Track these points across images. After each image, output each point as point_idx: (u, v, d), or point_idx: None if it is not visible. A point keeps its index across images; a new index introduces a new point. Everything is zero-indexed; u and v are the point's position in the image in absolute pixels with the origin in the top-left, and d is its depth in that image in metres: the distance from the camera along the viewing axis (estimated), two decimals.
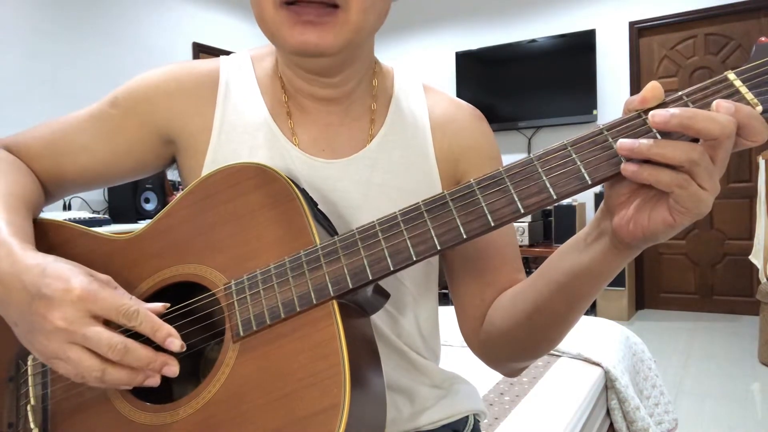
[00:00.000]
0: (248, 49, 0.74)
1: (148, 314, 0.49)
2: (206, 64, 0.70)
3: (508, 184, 0.47)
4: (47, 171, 0.68)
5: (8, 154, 0.67)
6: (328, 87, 0.66)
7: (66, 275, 0.49)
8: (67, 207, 3.21)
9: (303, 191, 0.57)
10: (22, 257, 0.51)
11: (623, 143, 0.43)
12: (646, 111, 0.44)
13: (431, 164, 0.69)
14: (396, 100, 0.71)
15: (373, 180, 0.66)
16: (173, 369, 0.50)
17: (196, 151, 0.67)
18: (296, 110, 0.68)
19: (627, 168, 0.43)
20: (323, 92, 0.66)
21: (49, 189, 0.69)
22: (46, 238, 0.63)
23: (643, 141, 0.42)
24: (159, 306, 0.53)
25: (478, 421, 0.80)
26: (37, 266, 0.50)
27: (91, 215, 2.97)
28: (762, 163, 3.00)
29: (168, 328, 0.49)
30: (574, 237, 0.54)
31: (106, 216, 3.17)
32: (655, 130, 0.43)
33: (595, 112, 4.20)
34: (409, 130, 0.69)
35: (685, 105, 0.44)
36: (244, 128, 0.66)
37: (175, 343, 0.49)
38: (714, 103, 0.42)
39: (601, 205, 0.50)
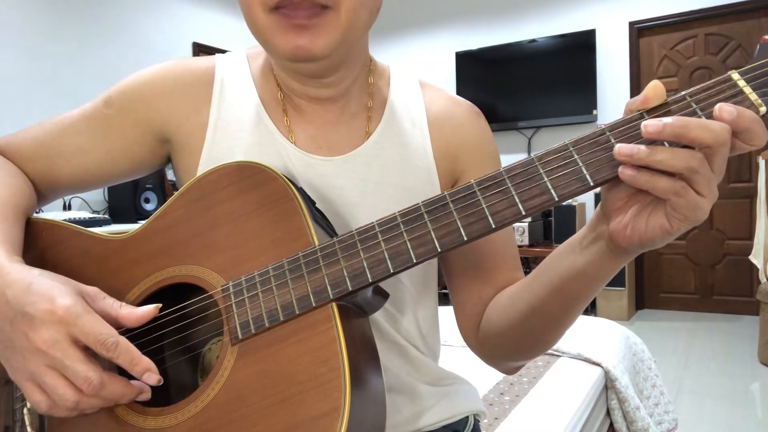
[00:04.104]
0: (245, 47, 0.73)
1: (127, 347, 0.48)
2: (202, 61, 0.70)
3: (509, 185, 0.47)
4: (40, 173, 0.67)
5: None
6: (323, 87, 0.65)
7: (51, 294, 0.47)
8: (67, 207, 3.21)
9: (301, 190, 0.57)
10: (8, 269, 0.50)
11: (622, 149, 0.43)
12: (649, 111, 0.44)
13: (429, 161, 0.69)
14: (392, 97, 0.70)
15: (371, 177, 0.66)
16: (146, 396, 0.50)
17: (191, 150, 0.66)
18: (292, 108, 0.67)
19: (624, 172, 0.43)
20: (318, 92, 0.66)
21: (42, 191, 0.69)
22: (41, 238, 0.62)
23: (642, 147, 0.42)
24: (151, 308, 0.52)
25: (478, 422, 0.80)
26: (22, 281, 0.49)
27: (91, 215, 2.96)
28: (762, 163, 3.00)
29: (146, 363, 0.48)
30: (570, 239, 0.54)
31: (106, 216, 3.16)
32: None
33: (595, 112, 4.20)
34: (406, 127, 0.69)
35: (688, 105, 0.43)
36: (240, 126, 0.66)
37: (153, 377, 0.48)
38: (717, 106, 0.41)
39: (598, 208, 0.50)
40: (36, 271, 0.50)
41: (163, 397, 0.59)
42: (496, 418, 1.22)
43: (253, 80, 0.68)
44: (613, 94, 4.22)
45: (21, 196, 0.62)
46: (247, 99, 0.67)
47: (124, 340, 0.48)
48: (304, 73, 0.63)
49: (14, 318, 0.47)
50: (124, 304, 0.52)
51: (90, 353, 0.47)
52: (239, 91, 0.68)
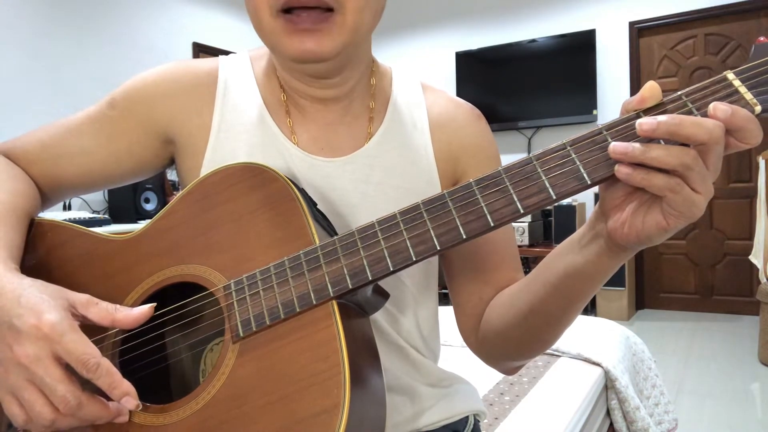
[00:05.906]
0: (247, 49, 0.74)
1: (108, 369, 0.47)
2: (205, 63, 0.70)
3: (508, 184, 0.47)
4: (45, 175, 0.68)
5: (3, 158, 0.66)
6: (326, 87, 0.66)
7: (39, 308, 0.47)
8: (67, 207, 3.21)
9: (302, 191, 0.57)
10: (2, 276, 0.50)
11: (616, 147, 0.43)
12: (646, 111, 0.45)
13: (430, 163, 0.69)
14: (394, 99, 0.71)
15: (372, 179, 0.66)
16: (123, 418, 0.50)
17: (195, 151, 0.67)
18: (295, 109, 0.68)
19: (620, 170, 0.43)
20: (322, 93, 0.66)
21: (47, 193, 0.69)
22: (45, 238, 0.62)
23: (636, 145, 0.42)
24: (146, 308, 0.52)
25: (478, 421, 0.80)
26: (13, 291, 0.49)
27: (91, 215, 2.97)
28: (762, 163, 3.00)
29: (125, 387, 0.48)
30: (569, 239, 0.54)
31: (106, 216, 3.17)
32: None
33: (595, 112, 4.20)
34: (408, 129, 0.70)
35: (684, 105, 0.44)
36: (243, 127, 0.66)
37: (131, 402, 0.48)
38: (711, 105, 0.42)
39: (596, 207, 0.50)
40: (27, 282, 0.50)
41: (165, 395, 0.60)
42: (496, 418, 1.22)
43: (256, 82, 0.69)
44: (613, 94, 4.22)
45: (23, 199, 0.62)
46: (250, 100, 0.67)
47: (105, 362, 0.47)
48: (309, 74, 0.64)
49: (1, 328, 0.48)
50: (119, 306, 0.52)
51: (72, 371, 0.47)
52: (242, 93, 0.68)
